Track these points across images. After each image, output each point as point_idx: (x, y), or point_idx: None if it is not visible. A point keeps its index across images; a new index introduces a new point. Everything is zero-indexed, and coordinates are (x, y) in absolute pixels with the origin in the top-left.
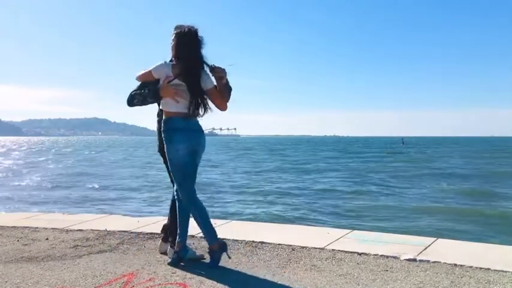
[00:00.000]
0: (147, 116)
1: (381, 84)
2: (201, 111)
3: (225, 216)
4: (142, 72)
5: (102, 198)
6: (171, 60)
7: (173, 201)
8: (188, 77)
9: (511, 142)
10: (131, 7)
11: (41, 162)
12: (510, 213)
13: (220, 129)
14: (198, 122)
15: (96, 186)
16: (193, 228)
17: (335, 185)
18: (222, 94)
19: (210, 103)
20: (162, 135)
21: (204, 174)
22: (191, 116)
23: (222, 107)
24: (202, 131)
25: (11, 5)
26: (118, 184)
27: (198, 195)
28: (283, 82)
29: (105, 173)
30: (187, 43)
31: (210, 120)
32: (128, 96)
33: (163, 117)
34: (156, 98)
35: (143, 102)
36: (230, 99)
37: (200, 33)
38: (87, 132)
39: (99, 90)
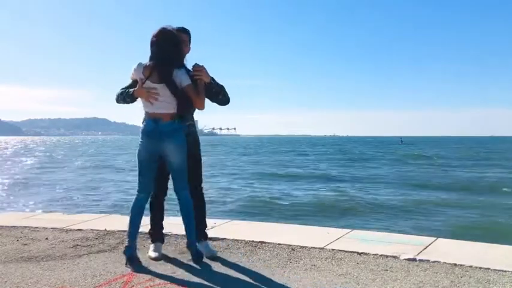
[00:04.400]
0: None
1: (380, 84)
2: (183, 110)
3: (225, 216)
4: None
5: (102, 198)
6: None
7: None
8: (163, 78)
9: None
10: (131, 7)
11: None
12: None
13: (220, 129)
14: (172, 123)
15: (96, 185)
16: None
17: (334, 185)
18: (199, 93)
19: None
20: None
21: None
22: (166, 117)
23: (198, 105)
24: (173, 133)
25: (10, 5)
26: (119, 183)
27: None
28: (283, 82)
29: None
30: (157, 44)
31: (210, 120)
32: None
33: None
34: (131, 98)
35: (124, 101)
36: (226, 98)
37: (184, 30)
38: (86, 132)
39: (99, 90)
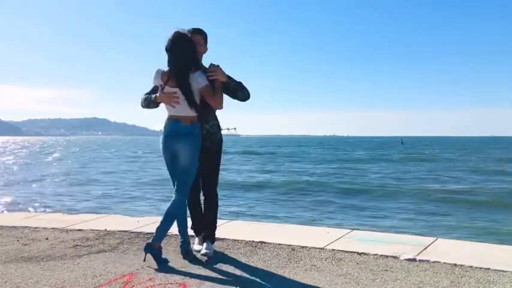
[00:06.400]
0: (147, 116)
1: (380, 84)
2: (195, 112)
3: (225, 216)
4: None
5: (102, 198)
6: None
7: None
8: (178, 82)
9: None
10: (131, 8)
11: None
12: None
13: (220, 128)
14: (191, 126)
15: (97, 187)
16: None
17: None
18: (216, 93)
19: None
20: None
21: None
22: (186, 120)
23: (214, 105)
24: (189, 136)
25: (10, 5)
26: (118, 184)
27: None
28: (283, 82)
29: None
30: (171, 49)
31: None
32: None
33: None
34: (155, 104)
35: (148, 107)
36: (245, 95)
37: (199, 31)
38: (87, 132)
39: (99, 90)
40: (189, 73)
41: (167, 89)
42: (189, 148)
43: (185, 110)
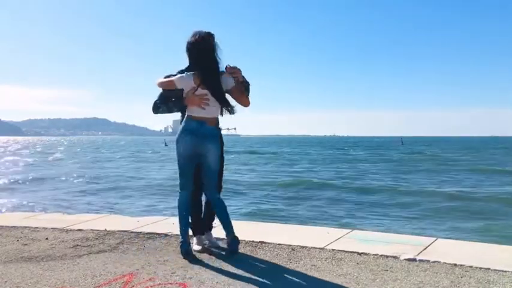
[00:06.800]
0: (147, 116)
1: (381, 85)
2: (226, 113)
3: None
4: (164, 80)
5: (102, 198)
6: (187, 68)
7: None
8: (209, 84)
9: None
10: (131, 8)
11: None
12: None
13: (220, 128)
14: (215, 128)
15: (98, 186)
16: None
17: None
18: (242, 92)
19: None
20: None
21: None
22: (211, 122)
23: (245, 103)
24: (215, 137)
25: (10, 5)
26: (118, 184)
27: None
28: (283, 82)
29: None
30: (200, 51)
31: None
32: (152, 104)
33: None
34: (179, 107)
35: (170, 111)
36: (249, 94)
37: (213, 35)
38: (87, 132)
39: (99, 90)
40: (220, 75)
41: (199, 91)
42: (216, 149)
43: (211, 112)
